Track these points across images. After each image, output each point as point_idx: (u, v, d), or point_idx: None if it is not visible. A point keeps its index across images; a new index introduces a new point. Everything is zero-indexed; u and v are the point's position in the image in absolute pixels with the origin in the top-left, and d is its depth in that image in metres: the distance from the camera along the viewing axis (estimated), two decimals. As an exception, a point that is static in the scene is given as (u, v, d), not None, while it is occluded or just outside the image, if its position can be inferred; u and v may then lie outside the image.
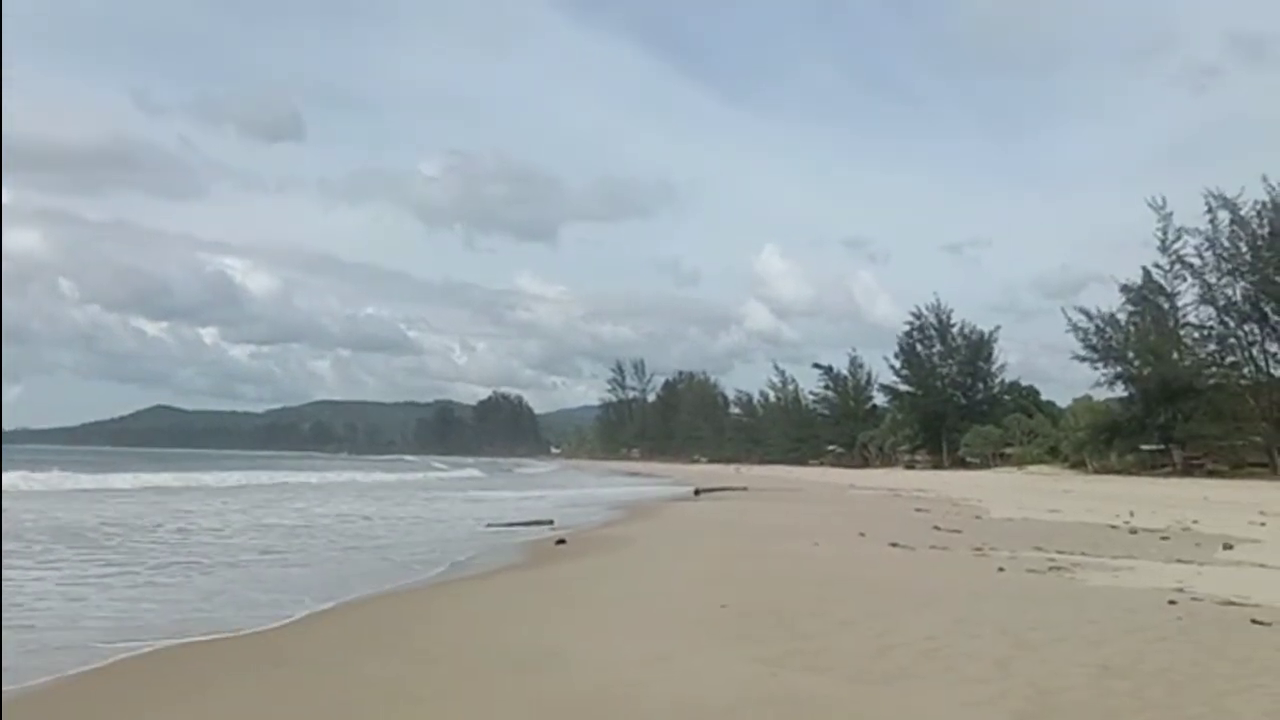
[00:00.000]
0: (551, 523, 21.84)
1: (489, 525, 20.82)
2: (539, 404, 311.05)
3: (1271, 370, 62.99)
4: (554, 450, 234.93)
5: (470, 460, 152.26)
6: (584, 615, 9.17)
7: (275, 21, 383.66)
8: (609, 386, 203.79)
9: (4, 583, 10.10)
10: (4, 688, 6.34)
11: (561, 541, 16.99)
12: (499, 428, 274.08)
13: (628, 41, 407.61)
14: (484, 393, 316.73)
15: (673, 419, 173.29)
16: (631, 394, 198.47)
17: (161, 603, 10.25)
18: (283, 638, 8.48)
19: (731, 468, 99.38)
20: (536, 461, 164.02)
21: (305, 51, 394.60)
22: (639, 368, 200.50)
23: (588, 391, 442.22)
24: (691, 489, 43.31)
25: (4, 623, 7.91)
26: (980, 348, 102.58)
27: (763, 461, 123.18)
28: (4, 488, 25.37)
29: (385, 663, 7.14)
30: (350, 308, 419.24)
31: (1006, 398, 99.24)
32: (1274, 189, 59.62)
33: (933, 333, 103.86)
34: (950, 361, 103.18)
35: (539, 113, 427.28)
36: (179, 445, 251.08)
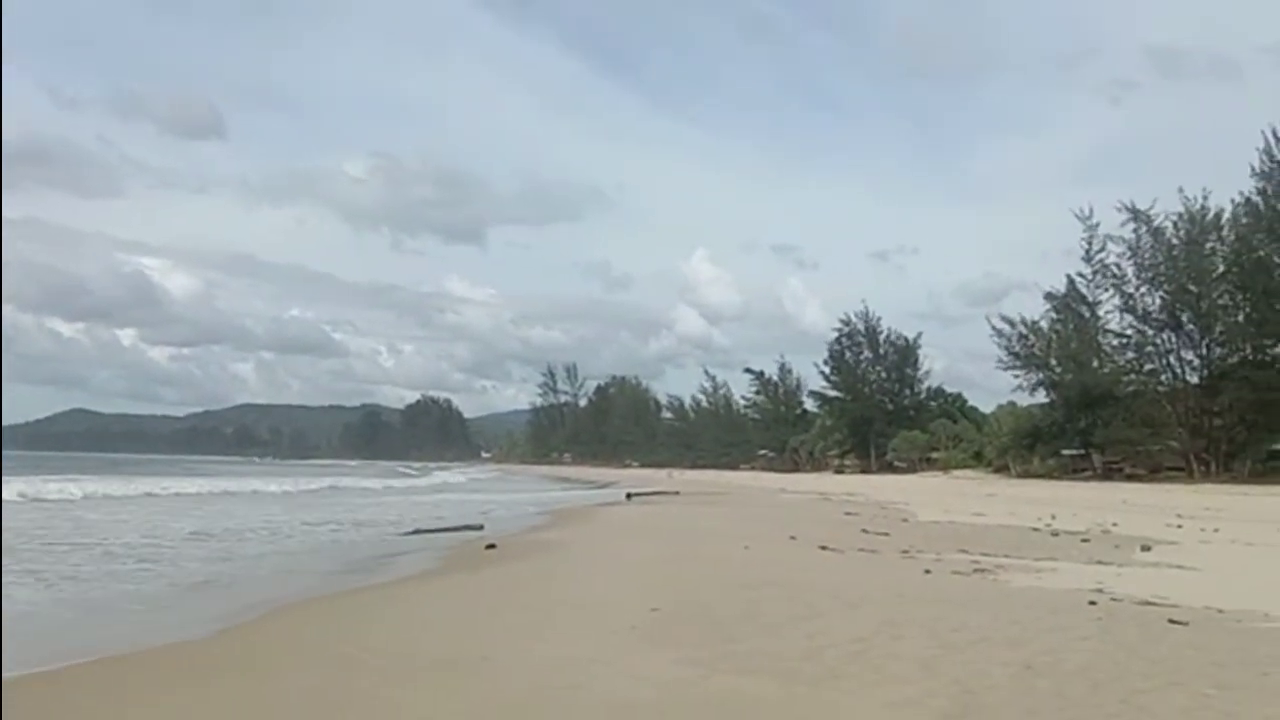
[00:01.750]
0: (481, 527, 21.62)
1: (416, 531, 20.39)
2: (469, 408, 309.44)
3: (1187, 377, 64.90)
4: (485, 455, 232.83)
5: (398, 465, 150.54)
6: (514, 619, 9.09)
7: (195, 18, 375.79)
8: (540, 390, 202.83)
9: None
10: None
11: (492, 546, 16.82)
12: (428, 432, 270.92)
13: (558, 46, 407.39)
14: (412, 396, 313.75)
15: (604, 423, 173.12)
16: (563, 398, 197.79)
17: (68, 618, 9.93)
18: (201, 649, 8.26)
19: (664, 472, 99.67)
20: (466, 466, 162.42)
21: (226, 49, 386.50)
22: (570, 372, 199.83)
23: (518, 395, 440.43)
24: (623, 493, 43.28)
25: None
26: (907, 354, 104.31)
27: (695, 466, 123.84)
28: None
29: (309, 670, 7.00)
30: (274, 309, 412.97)
31: (933, 403, 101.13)
32: (1190, 200, 61.51)
33: (861, 339, 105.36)
34: (879, 368, 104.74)
35: (467, 115, 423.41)
36: (96, 449, 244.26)
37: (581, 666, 6.81)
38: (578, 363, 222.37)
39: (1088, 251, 67.28)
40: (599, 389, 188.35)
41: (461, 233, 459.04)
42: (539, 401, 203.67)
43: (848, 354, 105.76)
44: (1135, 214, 62.97)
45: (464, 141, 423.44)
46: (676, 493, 45.32)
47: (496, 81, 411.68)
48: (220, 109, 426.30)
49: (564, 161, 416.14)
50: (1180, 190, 62.73)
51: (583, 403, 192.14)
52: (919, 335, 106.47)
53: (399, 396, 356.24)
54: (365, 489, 49.33)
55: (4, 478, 26.66)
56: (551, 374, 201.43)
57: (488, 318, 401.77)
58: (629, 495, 40.85)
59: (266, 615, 9.89)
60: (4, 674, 6.47)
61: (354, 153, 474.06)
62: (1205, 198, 60.90)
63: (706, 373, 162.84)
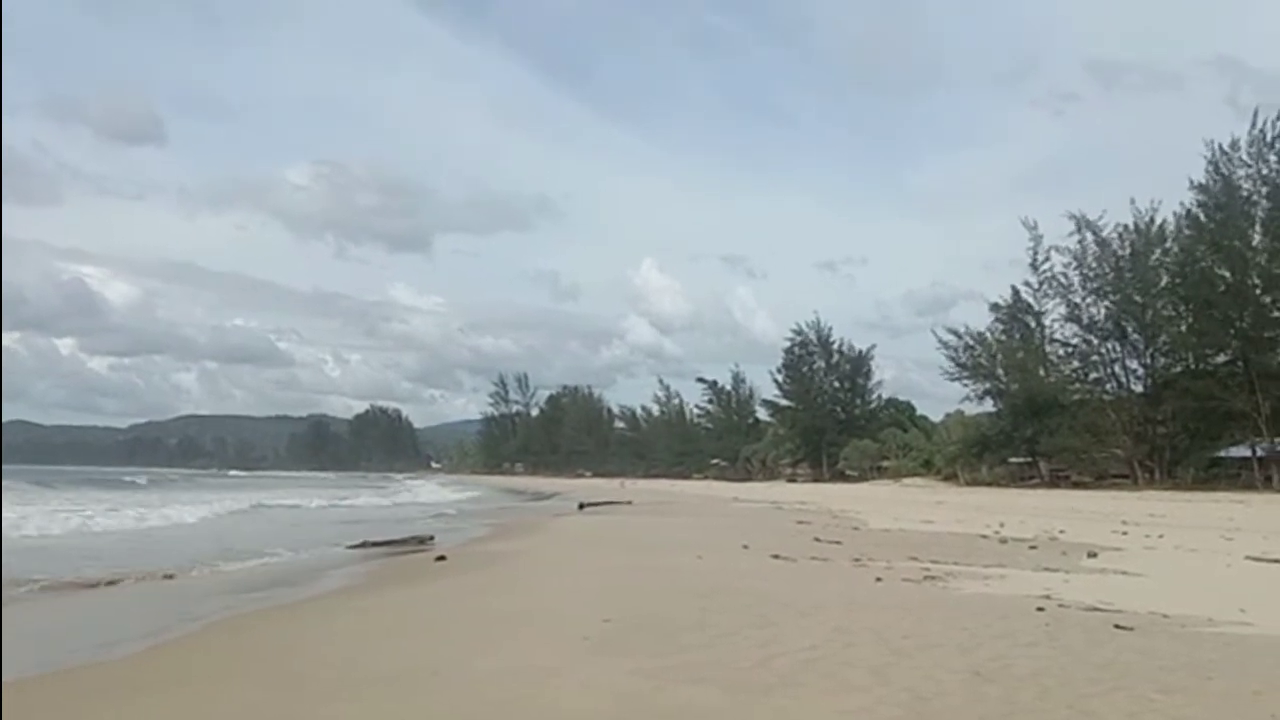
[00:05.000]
0: (432, 539, 21.45)
1: (364, 544, 20.09)
2: (418, 418, 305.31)
3: (1132, 386, 66.07)
4: (435, 465, 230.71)
5: (345, 476, 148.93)
6: (465, 632, 9.00)
7: (133, 21, 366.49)
8: (491, 400, 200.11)
9: None
10: None
11: (442, 558, 16.67)
12: (376, 442, 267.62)
13: (506, 55, 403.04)
14: (360, 406, 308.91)
15: (557, 433, 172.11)
16: (515, 408, 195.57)
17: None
18: (142, 663, 8.08)
19: (616, 482, 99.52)
20: (416, 477, 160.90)
21: (165, 53, 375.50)
22: (522, 381, 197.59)
23: (468, 405, 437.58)
24: (575, 503, 43.15)
25: None
26: (859, 364, 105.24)
27: (648, 475, 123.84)
28: None
29: (254, 685, 6.87)
30: (216, 318, 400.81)
31: (884, 413, 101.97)
32: (1139, 212, 62.69)
33: (815, 349, 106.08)
34: (831, 378, 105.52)
35: (413, 123, 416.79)
36: (36, 462, 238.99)
37: (533, 678, 6.75)
38: (529, 372, 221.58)
39: (1034, 261, 68.33)
40: (551, 399, 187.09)
41: (407, 241, 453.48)
42: (490, 411, 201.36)
43: (800, 364, 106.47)
44: (1084, 224, 64.05)
45: (410, 149, 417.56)
46: (629, 502, 45.26)
47: (444, 90, 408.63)
48: (159, 114, 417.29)
49: (512, 170, 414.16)
50: (1132, 201, 64.13)
51: (534, 412, 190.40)
52: (872, 347, 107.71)
53: (346, 406, 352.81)
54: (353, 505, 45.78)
55: None
56: (503, 383, 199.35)
57: (435, 326, 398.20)
58: (581, 505, 40.72)
59: (204, 629, 9.71)
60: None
61: (297, 159, 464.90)
62: (1154, 209, 62.25)
63: (660, 382, 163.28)
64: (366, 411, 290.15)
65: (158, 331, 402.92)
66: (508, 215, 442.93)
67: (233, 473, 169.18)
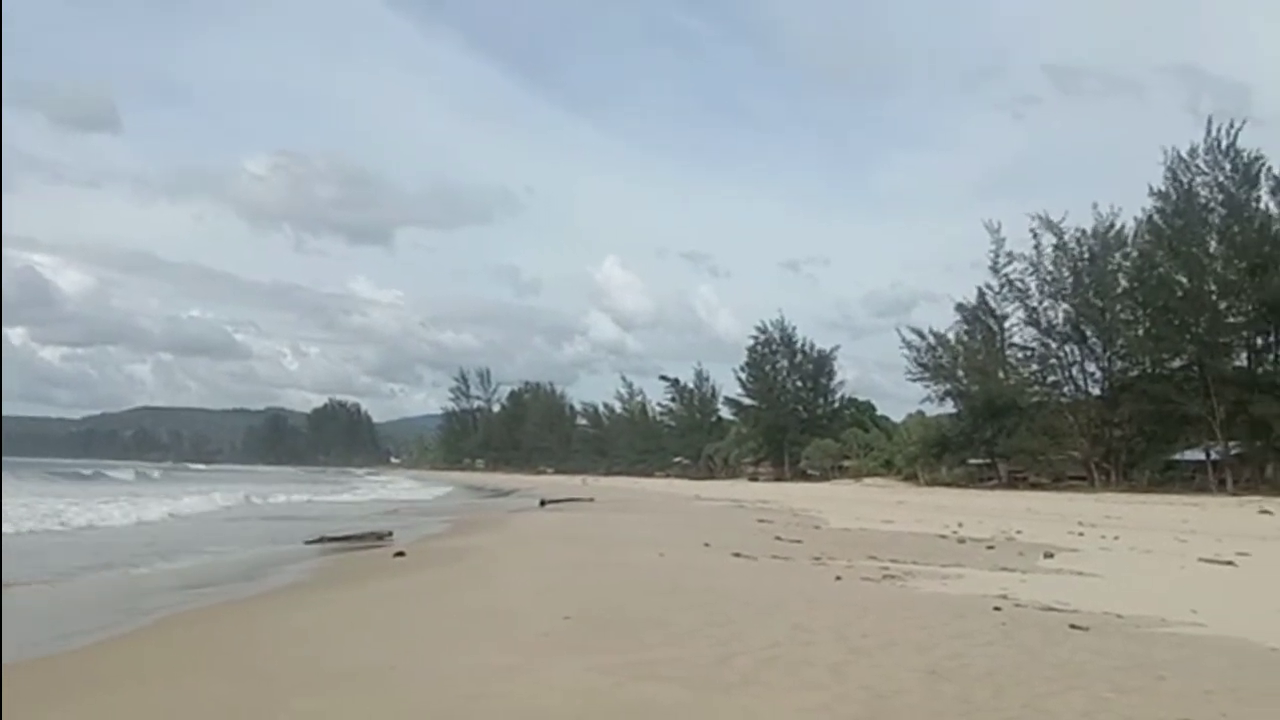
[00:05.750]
0: (390, 534, 21.28)
1: (322, 539, 19.88)
2: (378, 412, 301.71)
3: (1089, 389, 66.82)
4: (394, 460, 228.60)
5: (307, 471, 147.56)
6: (424, 629, 8.93)
7: (88, 6, 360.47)
8: (452, 395, 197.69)
9: None
10: None
11: (401, 554, 16.56)
12: (335, 437, 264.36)
13: (469, 49, 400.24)
14: (318, 400, 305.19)
15: (518, 429, 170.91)
16: (476, 403, 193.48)
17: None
18: (96, 658, 7.96)
19: (578, 479, 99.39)
20: (375, 472, 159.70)
21: (121, 39, 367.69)
22: (484, 377, 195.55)
23: (428, 400, 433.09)
24: (537, 500, 43.03)
25: None
26: (822, 364, 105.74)
27: (610, 473, 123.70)
28: None
29: (212, 681, 6.78)
30: (172, 309, 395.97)
31: (845, 413, 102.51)
32: (1100, 217, 63.45)
33: (778, 348, 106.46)
34: (794, 377, 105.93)
35: (374, 115, 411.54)
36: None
37: (492, 675, 6.71)
38: (490, 367, 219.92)
39: (995, 264, 68.79)
40: (513, 394, 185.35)
41: (367, 233, 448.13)
42: (451, 406, 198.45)
43: (764, 363, 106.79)
44: (1048, 225, 64.59)
45: (370, 141, 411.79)
46: (591, 499, 45.17)
47: (405, 82, 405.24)
48: (115, 101, 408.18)
49: (474, 164, 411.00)
50: (1094, 206, 64.89)
51: (496, 408, 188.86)
52: (836, 347, 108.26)
53: (305, 400, 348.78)
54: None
55: None
56: (464, 378, 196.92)
57: (395, 320, 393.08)
58: (543, 502, 40.60)
59: (162, 623, 9.58)
60: None
61: (255, 150, 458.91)
62: (1115, 215, 63.01)
63: (623, 379, 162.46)
64: (325, 405, 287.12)
65: (112, 322, 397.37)
66: (469, 209, 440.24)
67: (195, 466, 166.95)
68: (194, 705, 6.15)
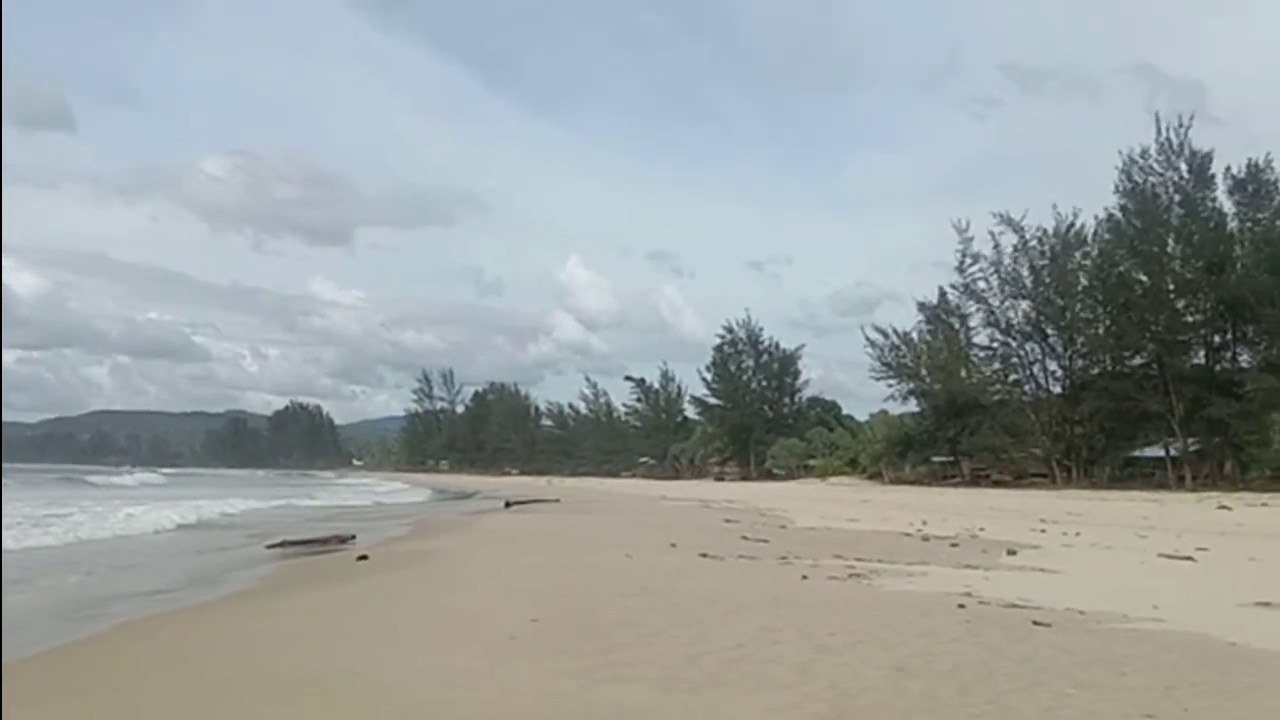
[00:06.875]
0: (354, 538, 21.10)
1: (283, 543, 19.64)
2: (340, 414, 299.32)
3: (1051, 387, 67.62)
4: (357, 462, 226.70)
5: (277, 474, 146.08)
6: (388, 633, 8.84)
7: (41, 3, 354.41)
8: (415, 396, 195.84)
9: None
10: None
11: (364, 558, 16.40)
12: (297, 439, 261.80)
13: (430, 48, 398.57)
14: (279, 402, 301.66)
15: (483, 430, 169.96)
16: (439, 404, 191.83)
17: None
18: (52, 665, 7.81)
19: (544, 480, 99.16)
20: (337, 474, 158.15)
21: (75, 37, 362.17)
22: (447, 378, 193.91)
23: (391, 401, 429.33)
24: (502, 501, 42.88)
25: None
26: (787, 364, 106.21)
27: (575, 474, 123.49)
28: None
29: (171, 688, 6.67)
30: (129, 311, 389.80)
31: (811, 412, 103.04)
32: (1060, 216, 64.11)
33: (744, 348, 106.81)
34: (760, 376, 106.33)
35: (334, 116, 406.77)
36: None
37: (458, 679, 6.65)
38: (454, 368, 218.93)
39: (960, 264, 69.09)
40: (476, 395, 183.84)
41: (327, 234, 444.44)
42: (414, 408, 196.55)
43: (729, 362, 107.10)
44: (1010, 224, 65.10)
45: (331, 142, 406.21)
46: (556, 500, 45.07)
47: (366, 82, 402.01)
48: (68, 100, 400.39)
49: (435, 164, 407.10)
50: (1054, 206, 65.63)
51: (460, 409, 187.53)
52: (801, 346, 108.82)
53: (265, 403, 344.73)
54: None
55: None
56: (427, 379, 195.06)
57: (356, 321, 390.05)
58: (508, 503, 40.47)
59: (119, 630, 9.43)
60: None
61: (212, 150, 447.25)
62: (1075, 214, 63.67)
63: (587, 379, 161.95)
64: (286, 408, 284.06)
65: (68, 324, 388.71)
66: (431, 209, 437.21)
67: (164, 471, 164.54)
68: (153, 713, 6.05)
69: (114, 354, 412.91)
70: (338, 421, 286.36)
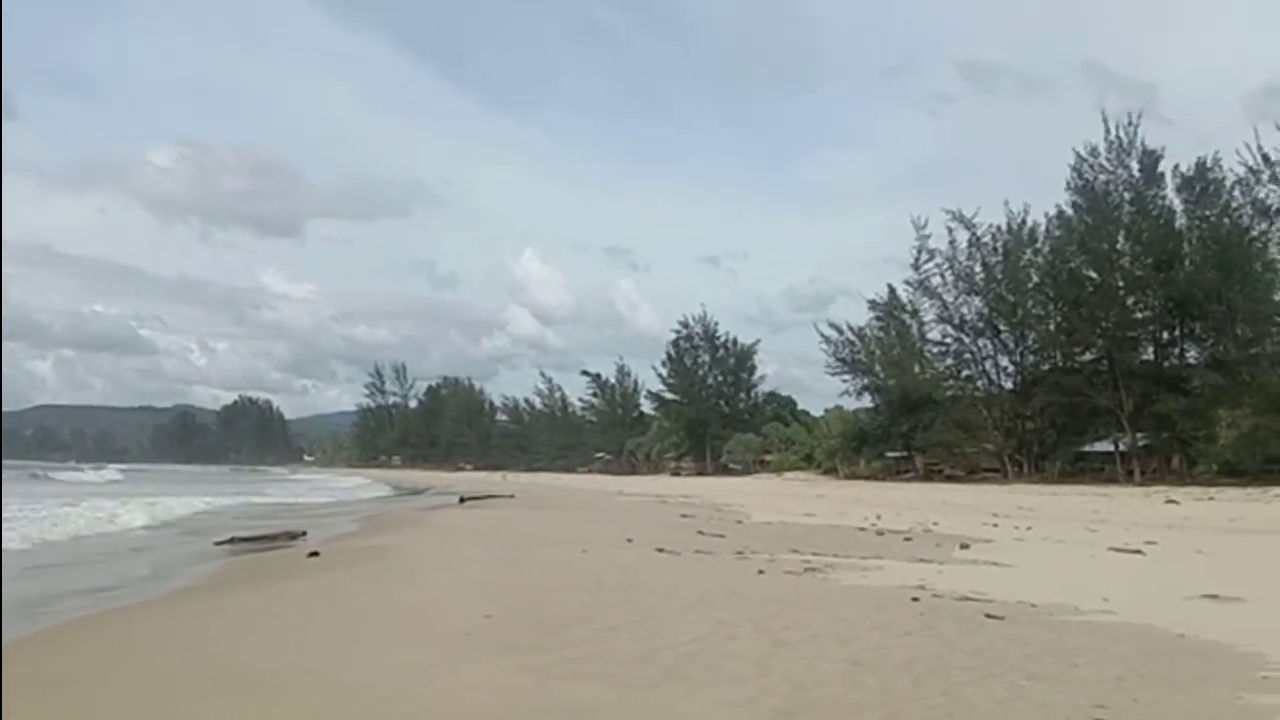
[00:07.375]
0: (304, 534, 20.83)
1: (233, 539, 19.30)
2: (290, 409, 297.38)
3: (1002, 383, 68.37)
4: (308, 458, 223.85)
5: (232, 470, 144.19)
6: (340, 630, 8.73)
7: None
8: (367, 391, 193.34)
9: None
10: None
11: (315, 554, 16.18)
12: (246, 434, 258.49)
13: (384, 41, 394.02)
14: (228, 396, 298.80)
15: (436, 425, 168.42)
16: (392, 399, 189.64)
17: None
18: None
19: (498, 475, 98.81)
20: (289, 470, 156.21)
21: (17, 23, 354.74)
22: (400, 372, 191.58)
23: (342, 396, 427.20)
24: (456, 497, 42.62)
25: None
26: (743, 359, 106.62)
27: (531, 469, 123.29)
28: None
29: (117, 686, 6.53)
30: (74, 304, 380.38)
31: (766, 407, 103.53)
32: (1012, 213, 64.78)
33: (700, 343, 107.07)
34: (716, 372, 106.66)
35: (285, 107, 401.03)
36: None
37: (412, 676, 6.57)
38: (407, 362, 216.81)
39: (916, 261, 69.38)
40: (430, 390, 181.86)
41: (277, 226, 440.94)
42: (366, 402, 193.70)
43: (685, 357, 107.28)
44: (962, 221, 65.56)
45: (281, 133, 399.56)
46: (511, 496, 44.89)
47: (318, 74, 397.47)
48: (11, 89, 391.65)
49: (388, 156, 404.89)
50: (1006, 203, 66.26)
51: (413, 404, 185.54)
52: (757, 341, 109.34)
53: (214, 397, 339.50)
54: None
55: None
56: (379, 374, 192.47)
57: (307, 315, 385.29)
58: (462, 499, 40.21)
59: (64, 627, 9.22)
60: None
61: (159, 140, 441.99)
62: (1026, 211, 64.34)
63: (542, 374, 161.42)
64: (235, 402, 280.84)
65: (11, 317, 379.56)
66: (384, 202, 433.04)
67: (114, 466, 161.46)
68: (99, 713, 5.91)
69: (58, 347, 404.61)
70: (288, 416, 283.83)
